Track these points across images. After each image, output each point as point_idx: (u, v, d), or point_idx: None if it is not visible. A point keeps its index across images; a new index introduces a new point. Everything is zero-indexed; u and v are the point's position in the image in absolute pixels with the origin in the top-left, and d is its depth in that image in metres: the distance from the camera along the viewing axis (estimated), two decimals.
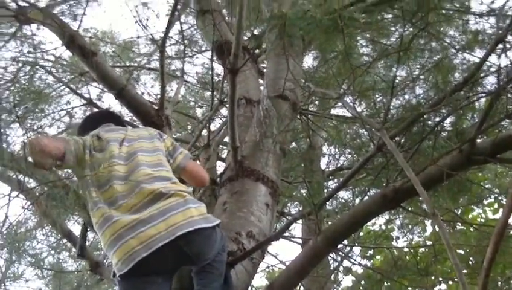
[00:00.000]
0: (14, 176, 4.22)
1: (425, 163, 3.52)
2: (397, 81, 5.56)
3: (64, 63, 6.92)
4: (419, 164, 3.87)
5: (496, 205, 8.20)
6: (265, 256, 4.57)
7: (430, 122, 4.72)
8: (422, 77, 5.63)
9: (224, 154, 6.38)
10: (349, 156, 7.62)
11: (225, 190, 4.63)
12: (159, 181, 3.38)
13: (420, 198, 3.46)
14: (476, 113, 5.25)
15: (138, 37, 9.34)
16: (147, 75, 9.81)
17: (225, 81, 6.33)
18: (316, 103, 7.89)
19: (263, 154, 4.83)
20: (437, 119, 4.67)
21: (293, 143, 7.49)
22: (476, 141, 3.47)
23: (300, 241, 6.96)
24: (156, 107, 4.90)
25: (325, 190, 7.45)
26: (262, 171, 4.69)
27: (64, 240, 5.79)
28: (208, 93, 9.96)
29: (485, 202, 8.10)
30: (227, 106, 4.46)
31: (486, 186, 7.66)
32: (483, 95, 4.62)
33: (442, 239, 2.62)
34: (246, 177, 4.64)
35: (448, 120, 5.01)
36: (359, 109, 6.26)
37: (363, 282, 7.78)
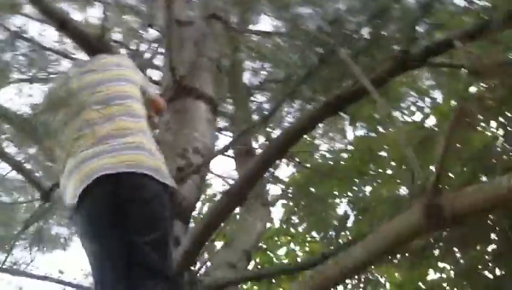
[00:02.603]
0: None
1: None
2: None
3: None
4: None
5: (413, 108, 8.46)
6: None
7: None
8: None
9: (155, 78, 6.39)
10: (270, 70, 7.77)
11: (167, 110, 4.73)
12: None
13: None
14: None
15: None
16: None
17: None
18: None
19: (200, 72, 4.96)
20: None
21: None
22: (409, 48, 3.71)
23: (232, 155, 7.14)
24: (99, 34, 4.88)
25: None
26: (201, 89, 4.83)
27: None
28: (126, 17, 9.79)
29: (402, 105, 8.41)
30: (158, 29, 4.51)
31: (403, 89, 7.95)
32: None
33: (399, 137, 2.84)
34: (186, 95, 4.76)
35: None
36: None
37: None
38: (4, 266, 6.29)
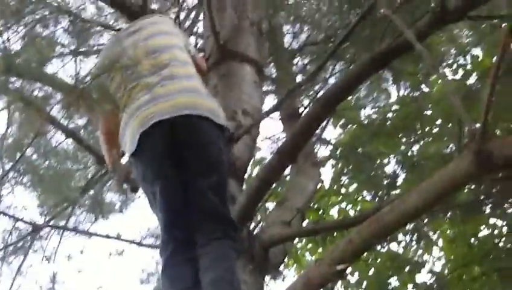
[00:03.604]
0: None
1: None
2: None
3: None
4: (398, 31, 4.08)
5: (454, 66, 8.44)
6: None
7: None
8: None
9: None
10: (308, 33, 7.78)
11: (213, 74, 4.83)
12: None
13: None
14: None
15: None
16: None
17: None
18: None
19: (243, 36, 5.04)
20: None
21: None
22: (445, 2, 3.73)
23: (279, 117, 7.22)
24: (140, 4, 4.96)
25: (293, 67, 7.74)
26: (245, 52, 4.91)
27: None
28: None
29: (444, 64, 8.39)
30: None
31: (443, 48, 7.92)
32: None
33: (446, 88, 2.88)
34: (231, 59, 4.85)
35: None
36: None
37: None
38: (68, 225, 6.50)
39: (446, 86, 2.83)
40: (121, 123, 3.43)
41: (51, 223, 6.36)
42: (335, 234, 6.77)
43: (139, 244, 6.14)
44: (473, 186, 7.27)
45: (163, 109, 3.21)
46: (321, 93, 4.99)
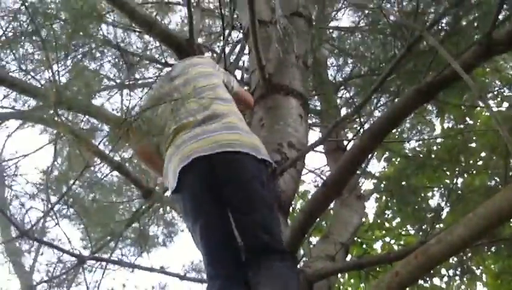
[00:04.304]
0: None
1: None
2: None
3: None
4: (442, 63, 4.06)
5: (499, 98, 8.38)
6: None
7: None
8: None
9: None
10: (352, 66, 7.81)
11: (259, 107, 4.85)
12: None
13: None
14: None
15: None
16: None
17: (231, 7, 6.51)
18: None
19: (288, 69, 5.06)
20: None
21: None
22: (492, 33, 3.70)
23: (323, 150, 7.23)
24: (187, 37, 5.06)
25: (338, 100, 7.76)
26: (291, 86, 4.93)
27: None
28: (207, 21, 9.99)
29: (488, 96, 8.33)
30: (241, 30, 4.61)
31: (487, 80, 7.86)
32: None
33: (492, 117, 2.86)
34: (276, 93, 4.87)
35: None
36: None
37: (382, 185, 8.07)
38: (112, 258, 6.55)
39: (492, 116, 2.79)
40: (165, 161, 3.50)
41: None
42: (378, 269, 6.69)
43: (182, 278, 6.13)
44: None
45: (203, 145, 3.28)
46: (367, 126, 4.96)
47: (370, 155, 7.03)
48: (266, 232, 3.22)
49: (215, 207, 3.27)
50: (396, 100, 4.84)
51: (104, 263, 6.51)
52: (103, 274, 6.50)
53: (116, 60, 6.73)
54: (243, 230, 3.25)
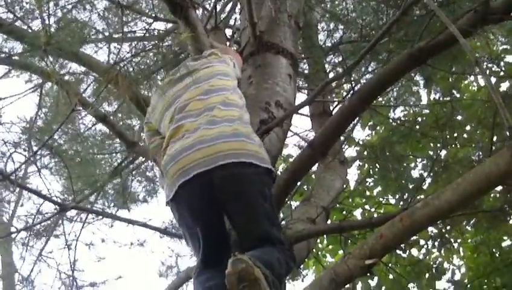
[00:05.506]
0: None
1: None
2: None
3: None
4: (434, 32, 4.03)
5: (487, 72, 8.36)
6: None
7: None
8: None
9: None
10: (343, 31, 7.75)
11: (248, 64, 4.81)
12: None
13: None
14: None
15: None
16: None
17: None
18: None
19: (280, 28, 5.02)
20: None
21: None
22: (489, 1, 3.67)
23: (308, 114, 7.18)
24: None
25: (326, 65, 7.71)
26: (281, 45, 4.89)
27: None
28: None
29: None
30: None
31: (477, 54, 7.83)
32: None
33: (487, 85, 2.84)
34: (267, 51, 4.83)
35: None
36: None
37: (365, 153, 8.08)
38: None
39: (486, 81, 2.78)
40: (162, 162, 3.45)
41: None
42: (358, 235, 6.71)
43: (163, 232, 6.12)
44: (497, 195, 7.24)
45: (203, 157, 3.20)
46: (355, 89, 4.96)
47: (356, 120, 7.05)
48: (273, 246, 3.14)
49: (213, 218, 3.29)
50: (386, 65, 4.81)
51: (83, 216, 6.49)
52: (83, 225, 6.49)
53: (105, 12, 6.61)
54: (243, 240, 3.26)
